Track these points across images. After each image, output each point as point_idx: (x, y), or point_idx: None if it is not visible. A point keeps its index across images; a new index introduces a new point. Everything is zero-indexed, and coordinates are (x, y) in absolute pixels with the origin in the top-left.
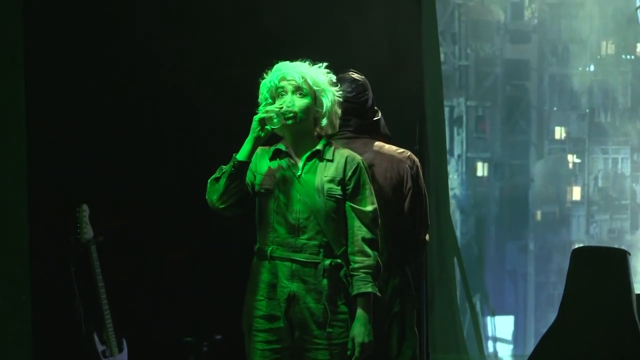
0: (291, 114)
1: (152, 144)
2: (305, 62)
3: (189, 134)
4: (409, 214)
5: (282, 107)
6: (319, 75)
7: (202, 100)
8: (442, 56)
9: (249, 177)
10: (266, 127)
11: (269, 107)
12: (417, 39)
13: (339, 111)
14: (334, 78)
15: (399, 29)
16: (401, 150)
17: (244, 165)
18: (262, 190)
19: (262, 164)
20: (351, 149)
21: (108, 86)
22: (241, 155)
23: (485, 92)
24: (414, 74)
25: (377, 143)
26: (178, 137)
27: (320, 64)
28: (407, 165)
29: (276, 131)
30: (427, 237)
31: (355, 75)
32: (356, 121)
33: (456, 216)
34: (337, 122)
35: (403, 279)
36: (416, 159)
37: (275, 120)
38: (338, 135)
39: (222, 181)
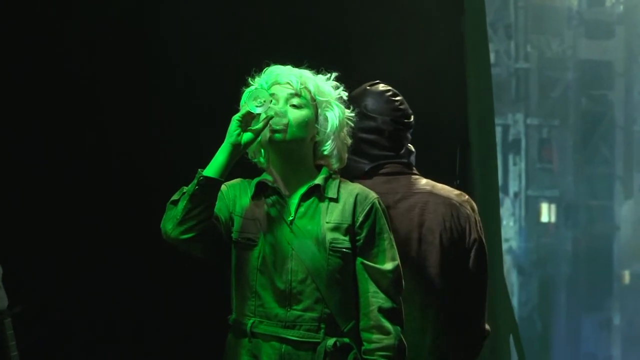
0: (280, 126)
1: (88, 179)
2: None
3: (139, 162)
4: (474, 282)
5: (271, 100)
6: (324, 84)
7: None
8: (492, 56)
9: (223, 213)
10: (250, 127)
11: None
12: (458, 33)
13: (349, 141)
14: (345, 95)
15: (432, 19)
16: (457, 191)
17: (214, 183)
18: (241, 240)
19: (242, 202)
20: (391, 189)
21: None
22: (210, 170)
23: (552, 105)
24: (454, 81)
25: (425, 180)
26: (126, 168)
27: (329, 74)
28: (468, 212)
29: (259, 160)
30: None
31: (387, 87)
32: (410, 151)
33: (512, 278)
34: (345, 155)
35: None
36: (475, 205)
37: (258, 108)
38: (382, 169)
39: (182, 204)
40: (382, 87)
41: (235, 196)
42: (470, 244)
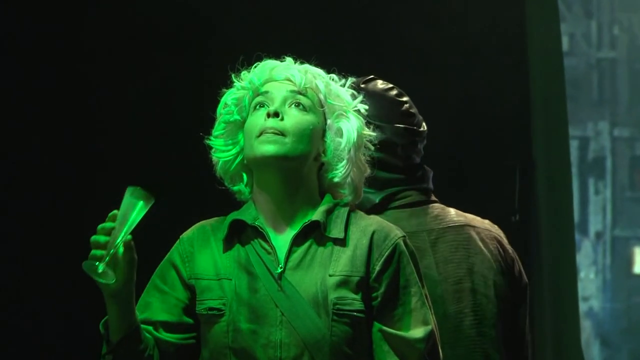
0: (274, 134)
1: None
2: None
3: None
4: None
5: (117, 241)
6: (339, 87)
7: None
8: (564, 42)
9: (178, 291)
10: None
11: (95, 238)
12: (519, 12)
13: (368, 170)
14: (364, 109)
15: None
16: (487, 220)
17: (125, 344)
18: (205, 313)
19: (202, 259)
20: (421, 226)
21: None
22: (113, 332)
23: None
24: (512, 77)
25: (453, 210)
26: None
27: (344, 79)
28: (510, 247)
29: (240, 188)
30: None
31: (388, 85)
32: (427, 170)
33: (593, 352)
34: (361, 187)
35: None
36: (505, 242)
37: (99, 267)
38: (398, 200)
39: None
40: (381, 83)
41: (192, 253)
42: (523, 290)
